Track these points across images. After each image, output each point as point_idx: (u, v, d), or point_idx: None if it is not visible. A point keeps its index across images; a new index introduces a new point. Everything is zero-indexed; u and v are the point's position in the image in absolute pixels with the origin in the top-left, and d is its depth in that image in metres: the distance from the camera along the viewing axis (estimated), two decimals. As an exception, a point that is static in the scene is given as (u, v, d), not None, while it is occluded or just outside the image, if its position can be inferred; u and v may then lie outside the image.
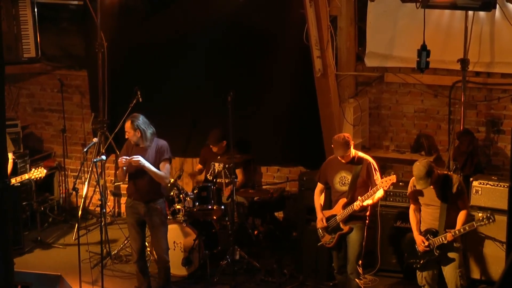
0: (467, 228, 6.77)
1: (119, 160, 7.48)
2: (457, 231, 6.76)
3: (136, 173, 7.38)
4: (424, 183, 6.73)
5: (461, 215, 6.86)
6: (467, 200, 7.08)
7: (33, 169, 8.16)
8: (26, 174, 8.16)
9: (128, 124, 7.38)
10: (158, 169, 7.37)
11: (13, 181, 8.04)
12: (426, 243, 6.85)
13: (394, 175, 6.91)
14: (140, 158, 7.29)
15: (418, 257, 6.95)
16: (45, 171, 8.14)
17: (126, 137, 7.50)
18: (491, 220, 6.71)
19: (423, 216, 6.98)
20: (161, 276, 7.62)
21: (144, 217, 7.41)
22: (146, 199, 7.40)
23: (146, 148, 7.40)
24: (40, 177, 8.11)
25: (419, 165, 6.73)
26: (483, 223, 6.74)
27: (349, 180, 7.15)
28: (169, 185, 7.93)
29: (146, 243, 7.84)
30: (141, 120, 7.38)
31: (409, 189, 7.08)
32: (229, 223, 8.20)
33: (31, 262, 8.66)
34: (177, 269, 8.02)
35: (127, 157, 7.33)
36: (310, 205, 7.69)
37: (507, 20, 7.91)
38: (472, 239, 7.63)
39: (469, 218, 6.99)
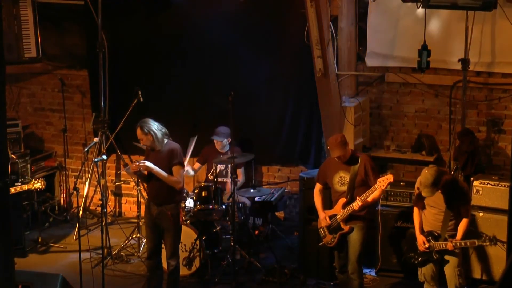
0: (468, 244, 6.83)
1: (131, 165, 7.53)
2: (458, 243, 6.78)
3: (150, 175, 7.40)
4: (429, 191, 6.71)
5: (463, 224, 6.87)
6: (470, 208, 7.07)
7: (33, 180, 8.13)
8: (25, 185, 8.12)
9: (138, 131, 7.35)
10: (170, 172, 7.35)
11: (12, 190, 7.97)
12: (427, 245, 6.86)
13: (391, 174, 6.88)
14: (146, 162, 7.30)
15: (417, 254, 6.98)
16: (45, 183, 8.09)
17: (141, 144, 7.49)
18: (493, 243, 6.75)
19: (426, 215, 6.98)
20: (168, 280, 7.61)
21: (155, 219, 7.42)
22: (157, 202, 7.39)
23: (160, 151, 7.38)
24: (40, 189, 8.09)
25: (427, 173, 6.69)
26: (485, 243, 6.78)
27: (348, 180, 7.16)
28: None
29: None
30: (151, 123, 7.35)
31: (415, 191, 7.07)
32: (230, 223, 8.21)
33: (32, 262, 8.67)
34: (178, 269, 8.03)
35: (136, 163, 7.36)
36: (311, 204, 7.69)
37: (508, 20, 7.91)
38: (473, 239, 7.63)
39: (470, 226, 7.01)
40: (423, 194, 6.79)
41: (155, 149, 7.38)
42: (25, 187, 8.07)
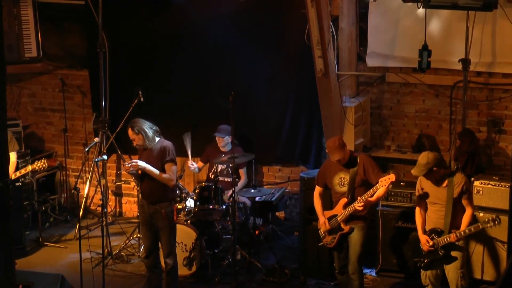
0: (472, 229, 6.72)
1: (124, 166, 7.55)
2: (462, 232, 6.73)
3: (143, 174, 7.41)
4: (419, 171, 6.77)
5: (466, 216, 6.82)
6: (472, 200, 7.03)
7: (36, 161, 8.15)
8: (29, 166, 8.15)
9: (129, 132, 7.40)
10: (163, 170, 7.37)
11: (17, 173, 8.09)
12: (431, 243, 6.82)
13: (393, 174, 6.87)
14: (138, 162, 7.31)
15: (422, 256, 6.93)
16: (46, 160, 8.13)
17: (134, 144, 7.51)
18: (496, 222, 6.65)
19: (429, 214, 6.96)
20: (167, 279, 7.62)
21: (150, 217, 7.43)
22: (151, 200, 7.41)
23: (152, 149, 7.40)
24: (44, 167, 8.10)
25: (425, 155, 6.76)
26: (488, 225, 6.69)
27: (348, 181, 7.15)
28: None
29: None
30: (141, 122, 7.38)
31: (417, 191, 7.06)
32: (230, 223, 8.21)
33: (33, 262, 8.67)
34: (178, 269, 8.01)
35: (128, 164, 7.37)
36: (311, 205, 7.68)
37: (509, 20, 7.90)
38: (474, 239, 7.63)
39: (473, 219, 6.96)
40: (412, 171, 6.83)
41: (147, 148, 7.40)
42: (29, 168, 8.11)
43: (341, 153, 7.09)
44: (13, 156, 8.26)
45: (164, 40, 9.52)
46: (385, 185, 6.88)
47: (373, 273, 8.13)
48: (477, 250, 7.68)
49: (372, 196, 6.97)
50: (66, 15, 9.83)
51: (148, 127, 7.37)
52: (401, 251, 7.86)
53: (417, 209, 7.06)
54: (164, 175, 7.35)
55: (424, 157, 6.77)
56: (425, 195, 6.94)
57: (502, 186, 7.65)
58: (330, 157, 7.18)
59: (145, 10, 9.49)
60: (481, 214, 7.66)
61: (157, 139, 7.43)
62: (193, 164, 9.01)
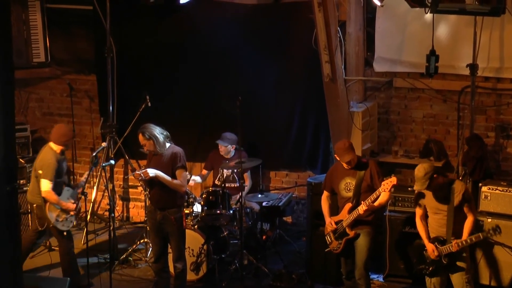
0: (473, 239, 6.70)
1: (134, 174, 7.55)
2: (463, 242, 6.70)
3: (152, 181, 7.40)
4: (420, 184, 6.69)
5: (468, 223, 6.78)
6: (474, 207, 6.99)
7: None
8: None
9: (140, 137, 7.38)
10: (173, 177, 7.36)
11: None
12: (436, 253, 6.79)
13: (395, 177, 6.85)
14: (149, 171, 7.29)
15: (427, 264, 6.90)
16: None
17: (145, 150, 7.50)
18: (497, 233, 6.69)
19: (430, 223, 6.93)
20: (175, 283, 7.63)
21: (159, 223, 7.43)
22: (159, 206, 7.41)
23: (162, 154, 7.40)
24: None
25: (421, 167, 6.70)
26: (489, 234, 6.70)
27: (354, 186, 7.15)
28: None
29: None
30: (151, 128, 7.37)
31: (415, 205, 7.03)
32: (237, 227, 8.20)
33: (40, 266, 8.67)
34: (185, 273, 8.03)
35: (139, 172, 7.38)
36: (318, 210, 7.68)
37: (517, 25, 7.90)
38: (481, 245, 7.60)
39: (476, 225, 6.93)
40: (414, 187, 6.77)
41: (158, 153, 7.39)
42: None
43: (352, 154, 7.09)
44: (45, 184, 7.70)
45: (171, 45, 9.53)
46: (387, 189, 6.86)
47: (381, 279, 8.11)
48: (485, 256, 7.65)
49: (375, 200, 6.97)
50: (74, 20, 9.87)
51: (159, 133, 7.35)
52: (409, 256, 7.84)
53: (417, 218, 7.00)
54: (175, 181, 7.34)
55: (420, 170, 6.66)
56: (425, 202, 6.91)
57: (510, 191, 7.62)
58: (340, 159, 7.16)
59: (153, 15, 9.51)
60: (489, 220, 7.63)
61: (167, 144, 7.42)
62: (193, 180, 9.03)
